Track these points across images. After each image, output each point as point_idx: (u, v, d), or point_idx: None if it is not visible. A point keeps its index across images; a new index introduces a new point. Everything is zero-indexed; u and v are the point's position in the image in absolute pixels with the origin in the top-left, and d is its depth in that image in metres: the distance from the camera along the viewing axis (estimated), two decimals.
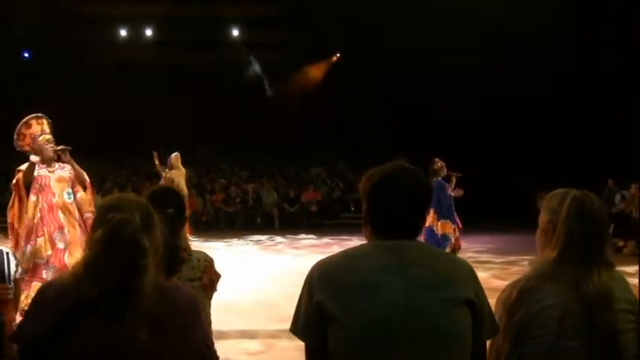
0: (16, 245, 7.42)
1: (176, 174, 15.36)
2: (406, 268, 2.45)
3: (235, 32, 29.64)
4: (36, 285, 7.06)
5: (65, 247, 7.61)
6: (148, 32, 29.19)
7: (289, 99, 28.43)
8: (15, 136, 7.97)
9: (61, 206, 7.76)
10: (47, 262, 7.49)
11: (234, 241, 19.78)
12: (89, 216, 7.95)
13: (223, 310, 4.30)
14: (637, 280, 3.10)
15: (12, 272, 5.15)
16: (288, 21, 28.76)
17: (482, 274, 2.65)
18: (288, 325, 2.60)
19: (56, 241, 7.60)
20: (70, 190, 7.92)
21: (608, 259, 2.92)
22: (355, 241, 14.20)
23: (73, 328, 2.32)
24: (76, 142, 8.60)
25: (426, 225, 10.84)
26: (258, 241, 19.91)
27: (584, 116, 21.46)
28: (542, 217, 3.11)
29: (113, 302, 2.32)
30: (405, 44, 24.78)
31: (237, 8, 28.62)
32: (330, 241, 19.10)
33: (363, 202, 2.64)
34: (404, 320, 2.36)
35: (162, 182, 15.20)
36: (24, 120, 7.99)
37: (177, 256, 3.58)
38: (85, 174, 8.18)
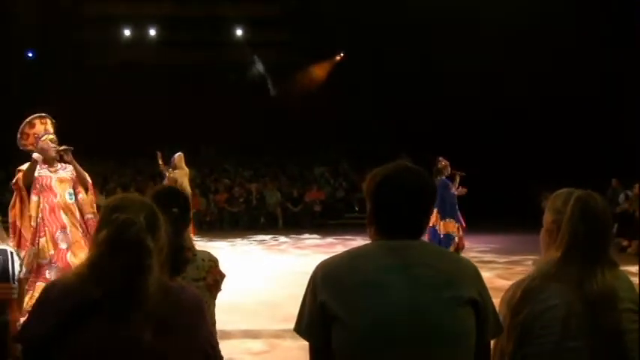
0: (19, 244, 7.42)
1: (179, 174, 15.35)
2: (410, 267, 2.45)
3: (239, 32, 29.66)
4: (40, 285, 7.07)
5: (68, 247, 7.61)
6: (152, 32, 29.22)
7: (292, 99, 28.43)
8: (18, 136, 7.97)
9: (62, 206, 7.76)
10: (50, 262, 7.49)
11: (238, 241, 19.79)
12: (90, 217, 7.96)
13: (227, 310, 4.31)
14: (637, 279, 3.09)
15: (16, 272, 5.17)
16: (292, 21, 28.78)
17: (485, 274, 2.65)
18: (291, 325, 2.60)
19: (58, 241, 7.60)
20: (71, 191, 7.91)
21: (612, 258, 2.92)
22: (359, 241, 14.20)
23: (77, 328, 2.32)
24: (80, 142, 8.61)
25: (429, 224, 10.85)
26: (261, 241, 19.91)
27: (586, 116, 21.43)
28: (547, 217, 3.11)
29: (117, 302, 2.32)
30: (407, 44, 24.83)
31: (241, 8, 28.64)
32: (334, 240, 19.10)
33: (367, 202, 2.64)
34: (407, 320, 2.36)
35: (165, 182, 15.19)
36: (27, 119, 7.99)
37: (181, 256, 3.58)
38: (87, 175, 8.18)
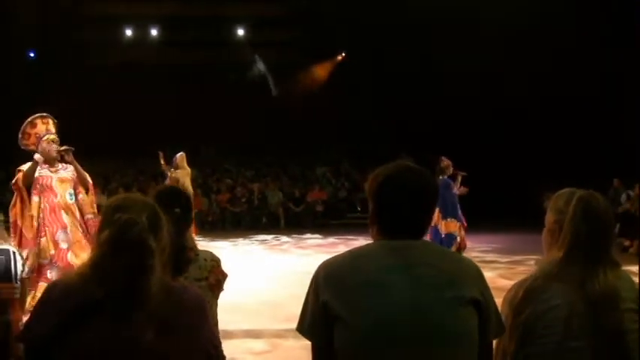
0: (20, 244, 7.43)
1: (181, 174, 15.34)
2: (412, 267, 2.45)
3: (240, 32, 29.66)
4: (42, 285, 7.08)
5: (68, 246, 7.62)
6: (154, 32, 29.22)
7: (294, 99, 28.43)
8: (20, 135, 7.98)
9: (63, 206, 7.77)
10: (51, 261, 7.50)
11: (240, 241, 19.81)
12: (90, 217, 7.98)
13: (229, 310, 4.32)
14: (638, 279, 3.09)
15: (18, 272, 5.17)
16: (293, 21, 28.77)
17: (488, 274, 2.65)
18: (293, 325, 2.60)
19: (59, 241, 7.61)
20: (72, 191, 7.92)
21: (615, 258, 2.91)
22: (361, 241, 14.14)
23: (79, 328, 2.32)
24: (81, 142, 8.62)
25: (431, 224, 10.85)
26: (263, 241, 19.93)
27: (587, 116, 21.43)
28: (549, 217, 3.11)
29: (120, 302, 2.33)
30: (408, 44, 24.84)
31: (242, 8, 28.66)
32: (336, 240, 19.10)
33: (370, 202, 2.64)
34: (409, 320, 2.36)
35: (167, 182, 15.18)
36: (29, 119, 8.00)
37: (183, 256, 3.58)
38: (87, 175, 8.18)
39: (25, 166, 7.82)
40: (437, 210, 11.79)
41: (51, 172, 7.85)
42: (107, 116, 26.05)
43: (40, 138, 7.94)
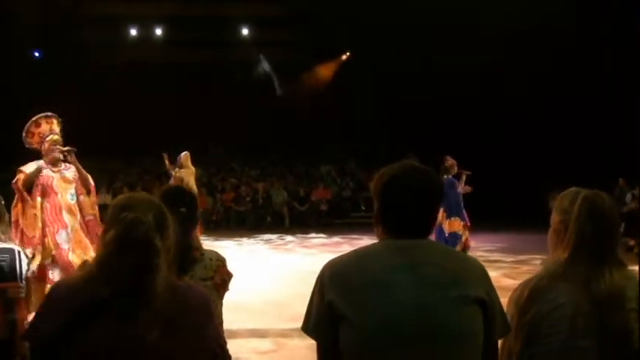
0: (21, 243, 7.44)
1: (186, 173, 15.36)
2: (417, 267, 2.45)
3: (245, 31, 29.64)
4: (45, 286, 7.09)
5: (69, 247, 7.63)
6: (158, 32, 29.22)
7: (299, 98, 28.43)
8: (24, 134, 8.00)
9: (64, 206, 7.78)
10: (52, 261, 7.52)
11: (245, 240, 19.82)
12: (91, 218, 8.00)
13: (233, 309, 4.32)
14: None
15: (24, 271, 5.18)
16: (298, 20, 28.75)
17: (492, 273, 2.64)
18: (298, 324, 2.61)
19: (61, 241, 7.62)
20: (73, 191, 7.94)
21: (620, 258, 2.91)
22: (366, 241, 14.21)
23: (85, 326, 2.32)
24: (87, 142, 8.65)
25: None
26: (268, 240, 19.94)
27: (591, 115, 21.42)
28: (554, 217, 3.11)
29: (125, 301, 2.32)
30: (413, 44, 24.81)
31: (247, 7, 28.66)
32: (341, 240, 19.10)
33: (375, 202, 2.65)
34: (415, 319, 2.36)
35: (172, 181, 15.21)
36: (33, 119, 8.01)
37: (189, 256, 3.59)
38: (89, 177, 8.20)
39: (26, 167, 7.84)
40: (441, 209, 11.79)
41: (53, 172, 7.87)
42: (112, 116, 26.05)
43: (43, 138, 7.96)
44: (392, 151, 20.85)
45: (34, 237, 7.55)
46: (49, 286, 7.16)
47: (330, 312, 2.43)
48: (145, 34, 29.14)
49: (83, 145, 8.10)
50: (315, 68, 30.39)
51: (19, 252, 5.20)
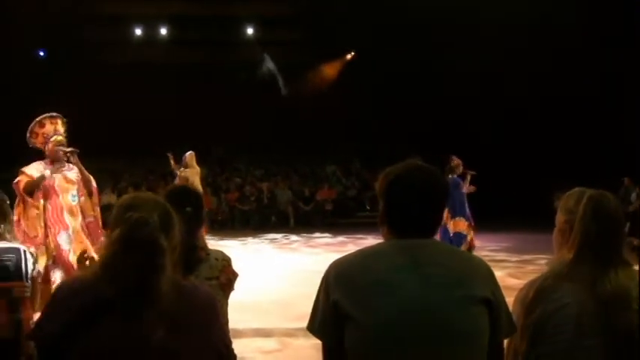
0: (23, 243, 7.44)
1: (190, 172, 15.36)
2: (422, 266, 2.45)
3: (249, 31, 29.64)
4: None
5: (70, 248, 7.63)
6: (163, 31, 29.22)
7: (304, 97, 28.41)
8: (28, 134, 8.00)
9: (66, 207, 7.78)
10: (53, 262, 7.52)
11: (250, 240, 19.83)
12: (91, 220, 8.00)
13: (238, 309, 4.33)
14: None
15: (29, 270, 5.19)
16: (302, 20, 28.75)
17: (497, 273, 2.64)
18: (303, 324, 2.61)
19: (62, 242, 7.62)
20: (75, 192, 7.93)
21: (625, 258, 2.91)
22: (370, 240, 14.22)
23: (90, 326, 2.32)
24: (91, 141, 8.65)
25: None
26: (273, 240, 19.95)
27: (594, 115, 21.42)
28: (559, 217, 3.11)
29: (131, 301, 2.33)
30: (419, 43, 24.79)
31: (252, 7, 28.64)
32: (345, 239, 19.10)
33: (380, 201, 2.64)
34: (420, 319, 2.36)
35: (177, 181, 15.21)
36: (38, 119, 8.01)
37: (194, 255, 3.59)
38: (92, 179, 8.20)
39: (28, 168, 7.83)
40: (446, 209, 11.80)
41: (56, 173, 7.87)
42: (115, 115, 26.05)
43: (47, 138, 7.96)
44: (396, 151, 20.79)
45: (36, 236, 7.56)
46: (53, 286, 7.19)
47: (336, 312, 2.43)
48: (149, 33, 29.13)
49: (87, 145, 8.12)
50: (320, 68, 30.38)
51: (24, 251, 5.21)
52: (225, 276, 3.71)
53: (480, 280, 2.50)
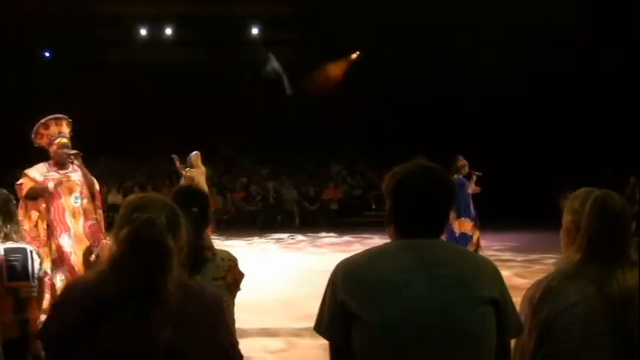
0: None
1: (196, 172, 15.34)
2: (429, 267, 2.45)
3: (254, 31, 29.61)
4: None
5: (72, 250, 7.64)
6: (168, 31, 29.21)
7: (309, 97, 28.40)
8: (32, 135, 8.01)
9: (68, 210, 7.79)
10: (54, 264, 7.54)
11: (255, 240, 19.84)
12: (93, 223, 8.00)
13: (244, 309, 4.32)
14: None
15: (36, 270, 5.20)
16: (307, 19, 28.72)
17: (503, 273, 2.64)
18: (310, 324, 2.61)
19: (64, 244, 7.63)
20: (77, 194, 7.94)
21: (632, 258, 2.91)
22: (377, 240, 14.23)
23: (97, 326, 2.32)
24: (96, 141, 8.67)
25: None
26: (278, 240, 19.95)
27: (598, 114, 21.41)
28: (565, 217, 3.11)
29: (138, 301, 2.33)
30: (424, 42, 24.77)
31: (256, 7, 28.63)
32: (351, 239, 19.09)
33: (387, 201, 2.64)
34: (427, 319, 2.36)
35: (182, 181, 15.21)
36: (43, 120, 8.02)
37: (200, 255, 3.59)
38: (95, 182, 8.21)
39: (31, 171, 7.84)
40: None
41: (60, 174, 7.87)
42: (122, 115, 26.12)
43: (52, 140, 7.97)
44: (402, 151, 20.79)
45: (37, 236, 7.57)
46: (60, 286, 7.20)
47: (343, 312, 2.43)
48: (154, 34, 29.13)
49: (93, 145, 8.12)
50: (325, 67, 30.34)
51: (31, 251, 5.22)
52: (231, 276, 3.72)
53: (487, 280, 2.50)
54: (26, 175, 7.81)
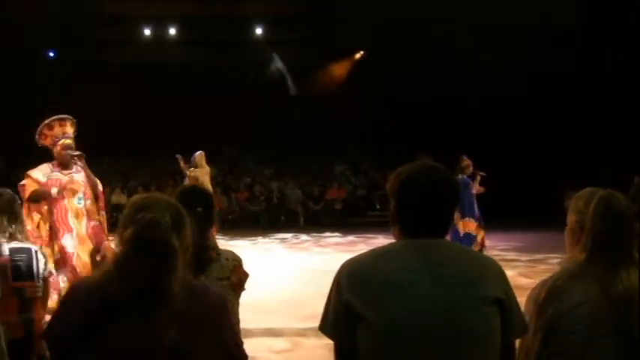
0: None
1: (200, 172, 15.34)
2: (434, 267, 2.45)
3: (258, 31, 29.60)
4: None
5: (74, 251, 7.64)
6: (172, 31, 29.21)
7: (313, 97, 28.38)
8: (36, 136, 8.02)
9: (71, 210, 7.79)
10: (57, 265, 7.54)
11: (260, 240, 19.83)
12: (96, 224, 8.01)
13: (249, 309, 4.32)
14: None
15: (41, 270, 5.21)
16: (311, 19, 28.73)
17: (508, 272, 2.64)
18: (314, 323, 2.61)
19: (66, 245, 7.64)
20: (81, 195, 7.94)
21: (637, 258, 2.90)
22: (380, 239, 14.23)
23: (102, 326, 2.33)
24: (100, 141, 8.66)
25: None
26: (283, 239, 19.94)
27: (601, 114, 21.40)
28: (570, 218, 3.10)
29: (143, 301, 2.33)
30: (429, 42, 24.75)
31: (260, 7, 28.63)
32: (355, 239, 19.07)
33: (391, 201, 2.64)
34: (432, 319, 2.36)
35: (186, 181, 15.21)
36: (47, 121, 8.03)
37: (205, 255, 3.59)
38: (98, 183, 8.21)
39: (34, 172, 7.85)
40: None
41: (63, 174, 7.88)
42: (126, 115, 26.12)
43: (55, 141, 7.97)
44: (406, 151, 20.76)
45: (39, 237, 7.57)
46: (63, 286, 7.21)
47: (347, 312, 2.42)
48: (158, 34, 29.13)
49: (97, 146, 8.13)
50: (329, 67, 30.32)
51: (36, 251, 5.23)
52: (236, 276, 3.72)
53: (492, 280, 2.50)
54: (29, 176, 7.81)
